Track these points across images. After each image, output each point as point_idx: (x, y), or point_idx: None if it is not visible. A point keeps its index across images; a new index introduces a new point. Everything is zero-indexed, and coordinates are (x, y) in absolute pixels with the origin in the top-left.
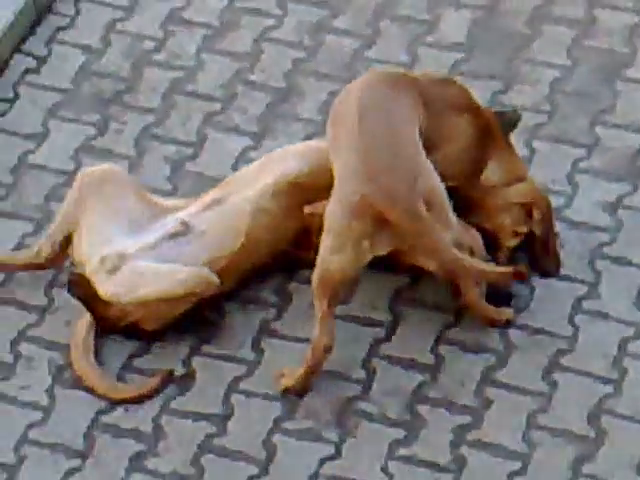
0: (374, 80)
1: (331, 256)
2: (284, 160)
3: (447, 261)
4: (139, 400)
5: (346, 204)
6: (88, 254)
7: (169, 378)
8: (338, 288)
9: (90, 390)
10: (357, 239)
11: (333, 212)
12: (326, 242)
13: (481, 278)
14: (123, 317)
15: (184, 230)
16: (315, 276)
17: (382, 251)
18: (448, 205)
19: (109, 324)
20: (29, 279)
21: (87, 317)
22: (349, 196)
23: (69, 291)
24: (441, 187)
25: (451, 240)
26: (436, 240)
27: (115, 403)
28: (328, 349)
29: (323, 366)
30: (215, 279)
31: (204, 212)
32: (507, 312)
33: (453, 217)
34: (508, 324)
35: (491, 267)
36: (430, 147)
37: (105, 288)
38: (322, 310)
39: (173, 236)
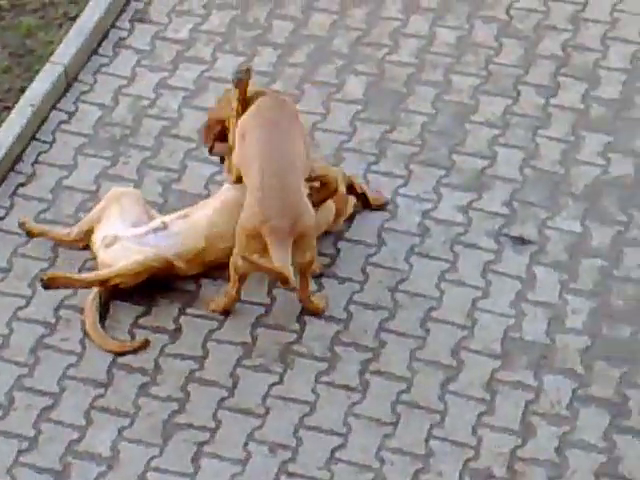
0: (274, 112)
1: (237, 256)
2: (228, 190)
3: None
4: (127, 353)
5: (245, 228)
6: (97, 237)
7: (147, 344)
8: (242, 274)
9: (98, 346)
10: (250, 252)
11: (237, 230)
12: (235, 247)
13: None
14: (105, 283)
15: (163, 227)
16: (230, 262)
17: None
18: (313, 234)
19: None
20: (65, 264)
21: (91, 295)
22: (248, 224)
23: (44, 288)
24: (312, 221)
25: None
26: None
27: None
28: (236, 299)
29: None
30: (171, 260)
31: (178, 220)
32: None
33: (314, 240)
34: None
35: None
36: None
37: (102, 257)
38: (234, 280)
39: (155, 230)
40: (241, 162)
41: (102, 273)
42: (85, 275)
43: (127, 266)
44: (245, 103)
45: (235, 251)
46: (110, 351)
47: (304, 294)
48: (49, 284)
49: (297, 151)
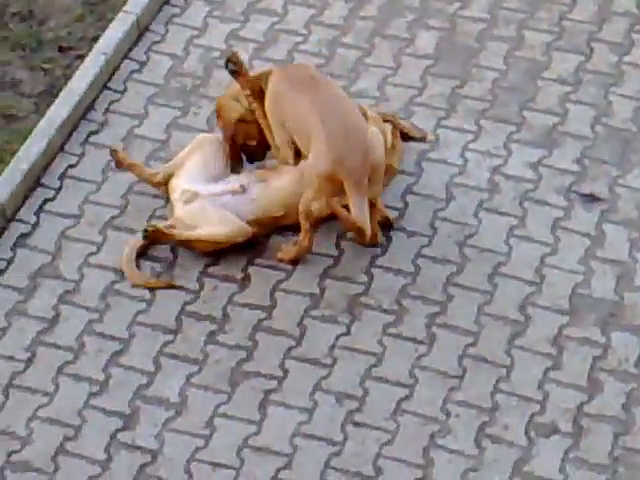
0: (317, 74)
1: (312, 202)
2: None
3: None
4: (151, 288)
5: (319, 172)
6: (176, 186)
7: (171, 286)
8: (316, 219)
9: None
10: (329, 195)
11: (310, 175)
12: (308, 192)
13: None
14: (184, 245)
15: (241, 191)
16: (301, 210)
17: (345, 202)
18: (383, 166)
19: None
20: (135, 211)
21: (134, 239)
22: (322, 167)
23: (144, 239)
24: (381, 158)
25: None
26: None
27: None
28: (308, 249)
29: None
30: (251, 231)
31: (255, 184)
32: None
33: (382, 173)
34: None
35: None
36: None
37: (178, 212)
38: (305, 230)
39: (233, 193)
40: (294, 123)
41: (193, 235)
42: (178, 233)
43: (214, 235)
44: (257, 87)
45: (308, 197)
46: (137, 284)
47: (374, 226)
48: (151, 236)
49: (345, 94)
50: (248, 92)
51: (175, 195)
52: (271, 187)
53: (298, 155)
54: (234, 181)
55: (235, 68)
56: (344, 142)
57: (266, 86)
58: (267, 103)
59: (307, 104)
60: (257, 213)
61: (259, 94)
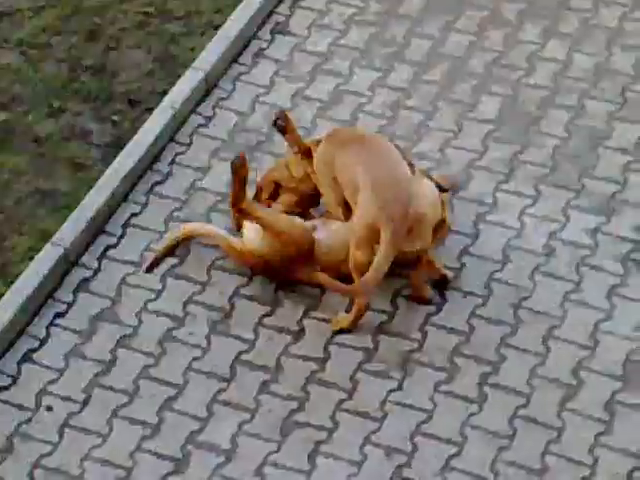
0: (370, 135)
1: (356, 251)
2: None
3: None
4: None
5: (364, 223)
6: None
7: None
8: (364, 268)
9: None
10: (368, 245)
11: (356, 227)
12: (352, 244)
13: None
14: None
15: (313, 229)
16: (350, 262)
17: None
18: (429, 222)
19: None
20: (195, 261)
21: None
22: (367, 214)
23: (276, 124)
24: (424, 209)
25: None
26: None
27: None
28: (367, 306)
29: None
30: (314, 239)
31: (322, 226)
32: (430, 292)
33: (429, 230)
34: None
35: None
36: None
37: (251, 234)
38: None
39: None
40: (343, 177)
41: (273, 219)
42: (261, 213)
43: (290, 230)
44: (306, 147)
45: (352, 249)
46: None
47: (416, 280)
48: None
49: (393, 148)
50: (296, 150)
51: (249, 223)
52: (330, 228)
53: (350, 210)
54: (307, 223)
55: (283, 124)
56: (388, 190)
57: (316, 150)
58: (316, 163)
59: (354, 156)
60: (323, 253)
61: (307, 154)
